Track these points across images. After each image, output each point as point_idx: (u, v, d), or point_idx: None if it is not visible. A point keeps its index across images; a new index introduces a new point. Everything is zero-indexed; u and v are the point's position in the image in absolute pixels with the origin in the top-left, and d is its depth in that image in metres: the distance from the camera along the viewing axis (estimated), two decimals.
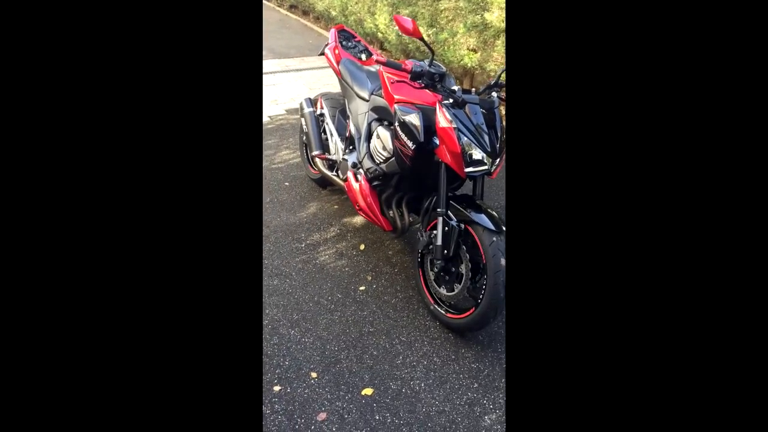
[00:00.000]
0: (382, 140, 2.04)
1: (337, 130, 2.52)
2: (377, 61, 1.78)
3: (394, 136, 1.92)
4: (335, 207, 2.82)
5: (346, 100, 2.49)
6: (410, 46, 4.93)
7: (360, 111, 2.31)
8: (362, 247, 2.49)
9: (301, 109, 2.69)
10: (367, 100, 2.28)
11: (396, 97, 1.96)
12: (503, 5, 3.63)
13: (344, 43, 2.68)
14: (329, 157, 2.54)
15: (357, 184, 2.20)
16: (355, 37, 2.75)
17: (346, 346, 1.89)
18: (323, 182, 2.88)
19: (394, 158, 1.96)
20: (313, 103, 2.68)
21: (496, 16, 3.68)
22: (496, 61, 3.81)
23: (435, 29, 4.42)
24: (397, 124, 1.90)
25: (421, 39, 1.72)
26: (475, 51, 4.06)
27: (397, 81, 1.87)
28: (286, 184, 3.04)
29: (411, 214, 2.16)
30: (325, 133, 2.65)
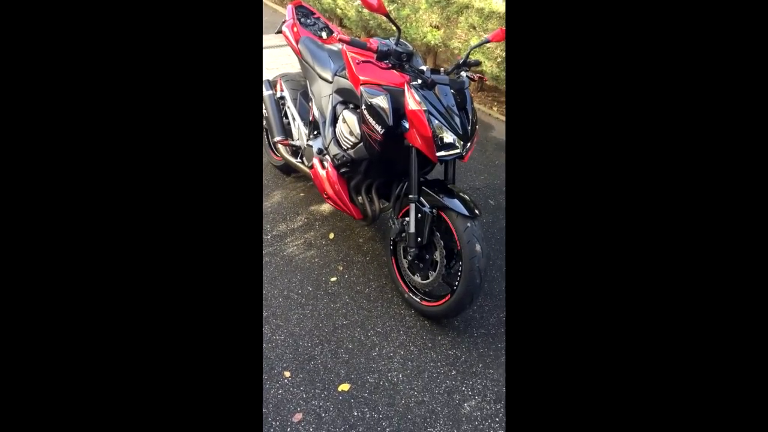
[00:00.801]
0: (349, 125, 1.94)
1: (299, 114, 2.39)
2: (341, 40, 1.67)
3: (362, 121, 1.83)
4: (301, 195, 2.71)
5: (308, 81, 2.36)
6: (371, 22, 4.77)
7: (323, 93, 2.19)
8: (332, 235, 2.40)
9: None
10: (331, 82, 2.16)
11: (362, 78, 1.86)
12: None
13: (303, 20, 2.52)
14: (292, 143, 2.41)
15: (323, 172, 2.10)
16: (314, 14, 2.60)
17: (319, 341, 1.82)
18: (287, 169, 2.75)
19: (362, 143, 1.87)
20: (272, 85, 2.52)
21: None
22: (459, 39, 3.73)
23: (396, 5, 4.28)
24: (363, 107, 1.80)
25: (387, 16, 1.62)
26: (437, 28, 3.97)
27: (363, 61, 1.77)
28: None
29: (381, 200, 2.08)
30: (287, 117, 2.52)
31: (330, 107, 2.11)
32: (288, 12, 2.52)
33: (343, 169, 2.03)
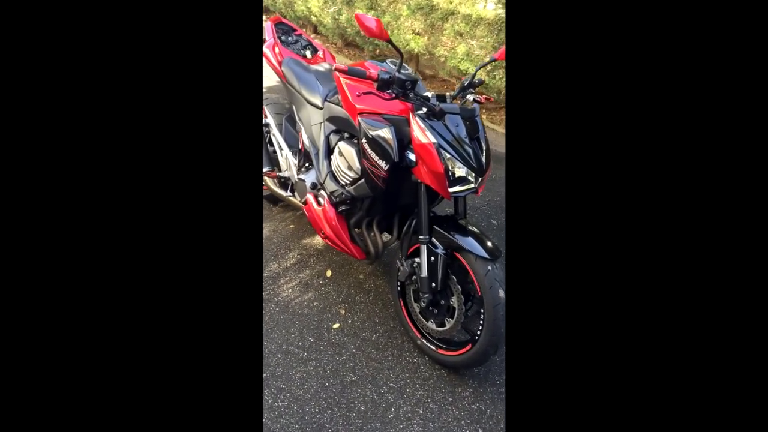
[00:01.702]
0: (347, 158, 1.74)
1: (286, 142, 2.18)
2: (337, 69, 1.47)
3: (362, 155, 1.63)
4: (291, 227, 2.49)
5: (294, 106, 2.14)
6: (348, 30, 4.57)
7: (314, 121, 1.98)
8: (329, 273, 2.20)
9: None
10: (321, 108, 1.96)
11: (358, 107, 1.67)
12: None
13: (283, 38, 2.31)
14: (281, 174, 2.20)
15: (320, 209, 1.90)
16: (295, 30, 2.38)
17: (328, 405, 1.62)
18: (273, 198, 2.53)
19: (363, 180, 1.68)
20: None
21: None
22: (445, 46, 3.57)
23: (376, 12, 4.09)
24: (364, 140, 1.61)
25: (389, 41, 1.43)
26: (420, 35, 3.79)
27: (364, 93, 1.56)
28: None
29: (383, 234, 1.90)
30: (272, 145, 2.30)
31: (322, 137, 1.90)
32: (267, 30, 2.29)
33: (342, 207, 1.83)
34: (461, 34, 3.39)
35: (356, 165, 1.70)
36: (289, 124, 2.25)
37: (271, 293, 2.07)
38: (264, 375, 1.71)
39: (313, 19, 5.10)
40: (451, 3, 3.39)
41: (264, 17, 5.25)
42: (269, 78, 4.46)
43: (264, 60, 2.22)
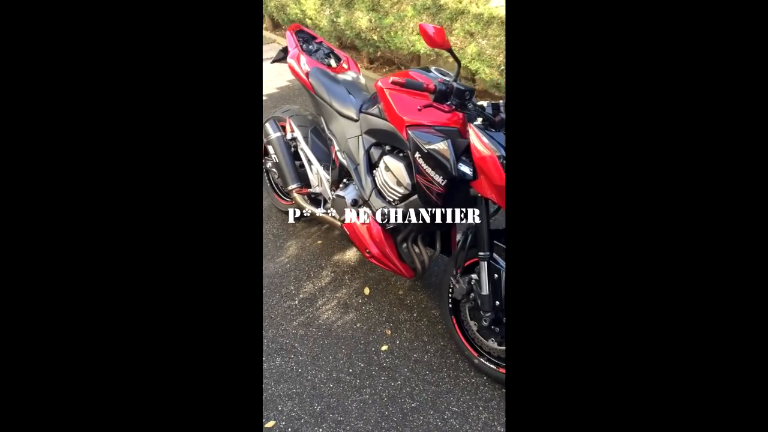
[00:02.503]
0: (394, 173, 1.65)
1: (316, 157, 2.07)
2: (394, 83, 1.37)
3: (416, 170, 1.54)
4: (318, 242, 2.39)
5: (324, 119, 2.04)
6: (347, 33, 4.46)
7: (349, 134, 1.88)
8: (367, 291, 2.10)
9: (266, 134, 2.17)
10: (356, 120, 1.86)
11: (406, 119, 1.57)
12: None
13: (304, 46, 2.20)
14: (312, 190, 2.09)
15: (364, 228, 1.80)
16: (316, 38, 2.27)
17: None
18: (299, 214, 2.42)
19: (415, 196, 1.59)
20: (278, 124, 2.18)
21: None
22: (455, 46, 3.48)
23: (378, 14, 3.99)
24: (417, 154, 1.52)
25: (450, 51, 1.34)
26: None
27: (424, 106, 1.46)
28: None
29: (427, 248, 1.81)
30: (298, 159, 2.19)
31: (362, 151, 1.81)
32: (289, 39, 2.18)
33: (390, 225, 1.74)
34: (472, 34, 3.31)
35: (406, 180, 1.61)
36: (315, 136, 2.15)
37: (310, 316, 1.97)
38: (318, 407, 1.62)
39: (308, 22, 4.97)
40: (460, 2, 3.31)
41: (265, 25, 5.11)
42: (274, 81, 4.33)
43: (289, 71, 2.11)
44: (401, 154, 1.67)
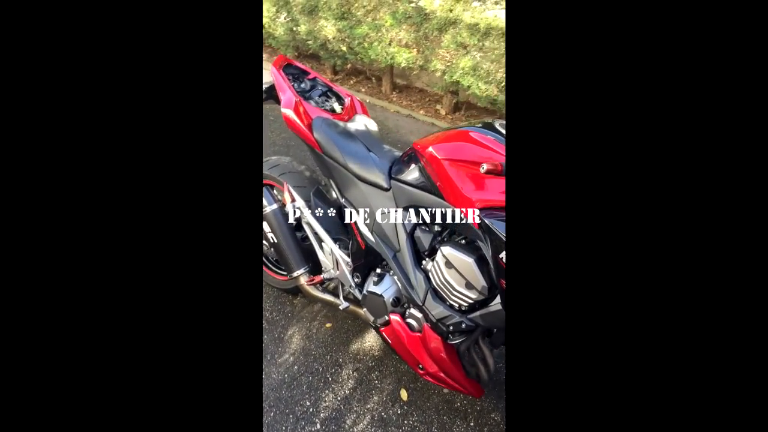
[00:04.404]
0: (461, 271, 1.21)
1: (328, 233, 1.59)
2: (489, 171, 0.93)
3: (498, 272, 1.11)
4: (327, 325, 1.91)
5: (336, 184, 1.56)
6: (310, 43, 3.93)
7: (378, 207, 1.41)
8: (404, 395, 1.66)
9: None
10: (387, 189, 1.40)
11: (474, 198, 1.14)
12: None
13: (296, 86, 1.69)
14: (327, 276, 1.61)
15: (416, 339, 1.35)
16: (308, 74, 1.77)
17: None
18: (295, 289, 1.92)
19: (498, 303, 1.16)
20: (273, 192, 1.65)
21: (439, 4, 2.91)
22: (443, 60, 3.08)
23: (348, 22, 3.49)
24: (495, 247, 1.09)
25: None
26: (409, 47, 3.27)
27: (466, 166, 1.05)
28: None
29: (491, 350, 1.41)
30: (300, 230, 1.70)
31: (402, 234, 1.35)
32: (276, 78, 1.64)
33: (456, 337, 1.30)
34: (465, 47, 2.92)
35: (480, 282, 1.18)
36: (320, 200, 1.65)
37: None
38: None
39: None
40: (451, 11, 2.90)
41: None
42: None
43: (287, 124, 1.59)
44: (467, 243, 1.24)
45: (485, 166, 0.99)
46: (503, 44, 2.75)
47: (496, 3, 2.73)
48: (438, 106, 3.72)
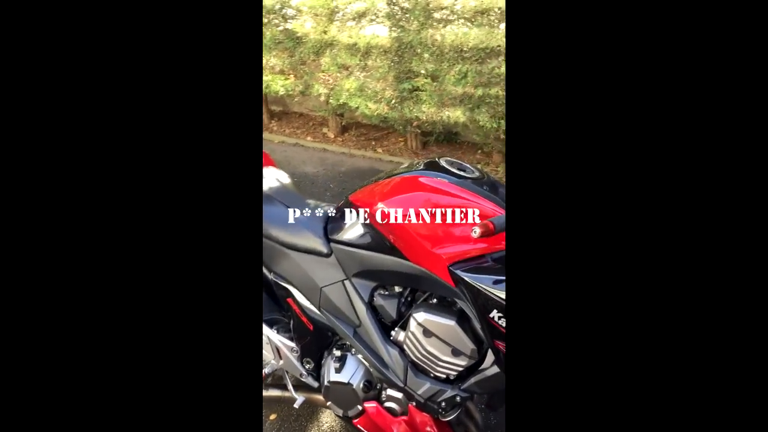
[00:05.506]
0: (443, 337, 1.02)
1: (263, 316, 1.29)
2: (483, 234, 0.77)
3: (493, 334, 0.95)
4: (270, 418, 1.59)
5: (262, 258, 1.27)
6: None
7: (321, 279, 1.17)
8: None
9: None
10: (327, 255, 1.16)
11: (444, 254, 0.97)
12: (319, 12, 2.68)
13: None
14: (269, 371, 1.30)
15: (401, 426, 1.13)
16: None
17: None
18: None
19: (494, 366, 1.00)
20: None
21: (311, 26, 2.72)
22: (326, 83, 2.89)
23: None
24: (496, 313, 0.93)
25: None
26: (285, 73, 3.02)
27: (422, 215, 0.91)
28: None
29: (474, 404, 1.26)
30: None
31: (360, 305, 1.12)
32: None
33: (451, 413, 1.11)
34: (346, 67, 2.77)
35: (469, 346, 1.01)
36: None
37: None
38: None
39: None
40: (325, 33, 2.73)
41: None
42: None
43: None
44: (437, 301, 1.06)
45: (477, 230, 0.84)
46: (386, 62, 2.66)
47: (372, 21, 2.64)
48: (325, 130, 3.53)
